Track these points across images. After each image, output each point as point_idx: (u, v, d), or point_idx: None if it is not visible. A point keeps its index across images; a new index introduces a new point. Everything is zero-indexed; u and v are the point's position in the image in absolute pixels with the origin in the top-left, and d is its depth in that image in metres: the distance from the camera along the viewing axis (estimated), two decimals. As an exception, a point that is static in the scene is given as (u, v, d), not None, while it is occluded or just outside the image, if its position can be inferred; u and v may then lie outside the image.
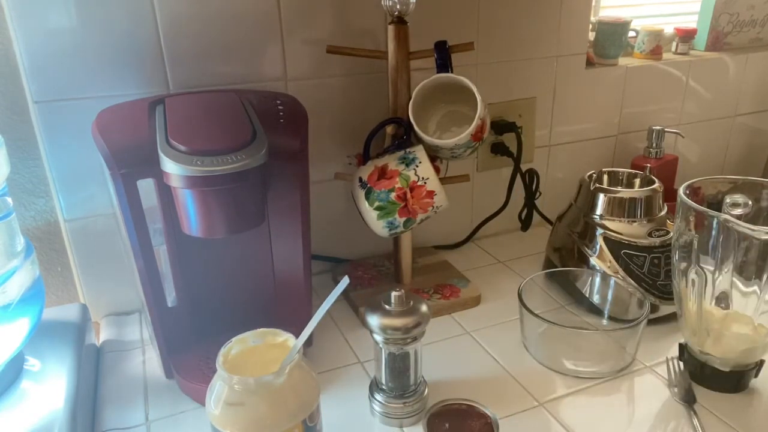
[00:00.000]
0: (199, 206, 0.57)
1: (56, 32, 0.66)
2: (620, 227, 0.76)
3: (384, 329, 0.57)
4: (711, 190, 0.66)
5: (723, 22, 1.17)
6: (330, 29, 0.79)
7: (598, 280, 0.76)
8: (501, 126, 0.93)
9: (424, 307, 0.58)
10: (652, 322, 0.73)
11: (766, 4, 1.19)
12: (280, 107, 0.64)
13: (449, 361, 0.70)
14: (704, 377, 0.64)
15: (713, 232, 0.58)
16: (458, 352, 0.71)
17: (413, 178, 0.70)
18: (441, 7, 0.85)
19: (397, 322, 0.56)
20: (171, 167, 0.54)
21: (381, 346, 0.59)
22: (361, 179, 0.72)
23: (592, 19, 1.02)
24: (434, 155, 0.75)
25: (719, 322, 0.61)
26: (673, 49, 1.16)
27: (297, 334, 0.49)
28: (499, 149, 0.96)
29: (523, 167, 0.94)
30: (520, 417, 0.61)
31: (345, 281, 0.48)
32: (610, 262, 0.75)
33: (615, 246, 0.75)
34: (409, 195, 0.70)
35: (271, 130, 0.60)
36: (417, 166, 0.70)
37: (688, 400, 0.61)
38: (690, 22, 1.19)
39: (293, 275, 0.68)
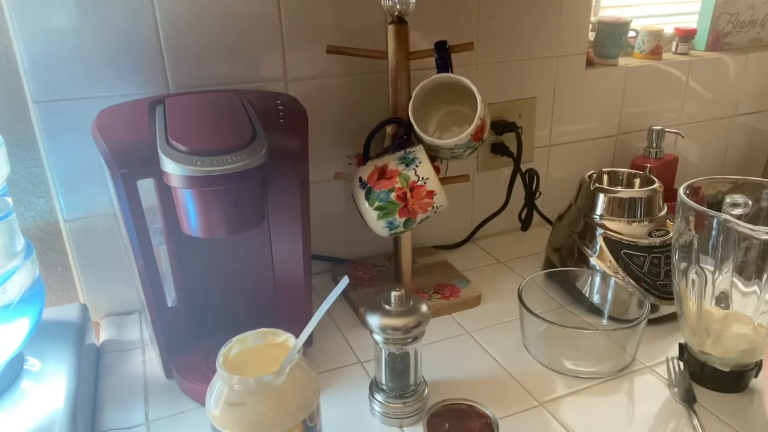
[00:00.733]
0: (199, 206, 0.57)
1: (56, 32, 0.66)
2: (620, 227, 0.76)
3: (384, 329, 0.57)
4: (711, 190, 0.66)
5: (723, 22, 1.17)
6: (330, 29, 0.79)
7: (598, 280, 0.76)
8: (501, 126, 0.93)
9: (424, 307, 0.58)
10: (652, 322, 0.73)
11: (766, 4, 1.19)
12: (280, 107, 0.64)
13: (449, 361, 0.70)
14: (704, 377, 0.64)
15: (713, 232, 0.58)
16: (458, 352, 0.71)
17: (413, 178, 0.70)
18: (441, 7, 0.85)
19: (397, 322, 0.56)
20: (171, 167, 0.54)
21: (381, 346, 0.59)
22: (361, 179, 0.72)
23: (592, 19, 1.02)
24: (434, 155, 0.75)
25: (719, 322, 0.61)
26: (673, 49, 1.16)
27: (297, 334, 0.49)
28: (499, 149, 0.96)
29: (523, 167, 0.94)
30: (520, 417, 0.61)
31: (345, 281, 0.48)
32: (610, 262, 0.75)
33: (615, 246, 0.75)
34: (409, 195, 0.70)
35: (271, 130, 0.60)
36: (417, 166, 0.70)
37: (688, 400, 0.61)
38: (690, 22, 1.19)
39: (293, 275, 0.68)
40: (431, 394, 0.63)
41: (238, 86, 0.76)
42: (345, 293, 0.83)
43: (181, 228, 0.60)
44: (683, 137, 1.07)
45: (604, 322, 0.76)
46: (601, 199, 0.77)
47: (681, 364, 0.66)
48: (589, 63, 1.02)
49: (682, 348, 0.66)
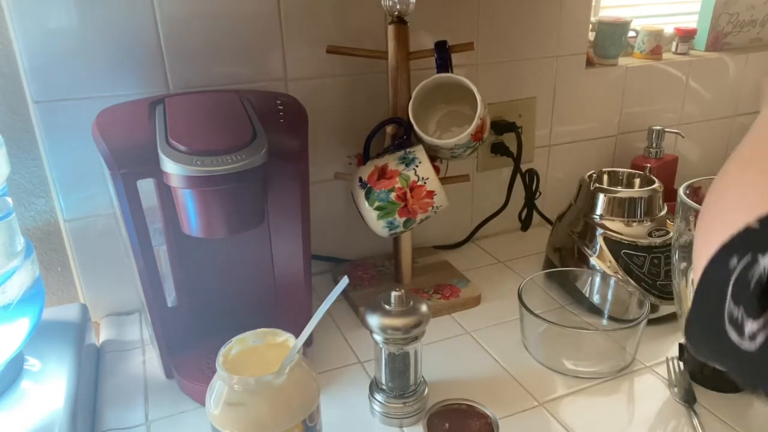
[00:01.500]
0: (199, 206, 0.57)
1: (56, 32, 0.66)
2: (620, 227, 0.76)
3: (384, 329, 0.57)
4: (711, 190, 0.66)
5: (723, 22, 1.17)
6: (330, 29, 0.79)
7: (598, 280, 0.76)
8: (501, 126, 0.93)
9: (424, 307, 0.58)
10: (652, 322, 0.73)
11: (766, 4, 1.19)
12: (280, 107, 0.64)
13: (449, 361, 0.70)
14: (704, 377, 0.64)
15: (713, 232, 0.58)
16: (458, 352, 0.71)
17: (413, 178, 0.70)
18: (441, 7, 0.85)
19: (397, 322, 0.56)
20: (171, 167, 0.54)
21: (381, 346, 0.59)
22: (361, 179, 0.72)
23: (592, 19, 1.02)
24: (434, 155, 0.75)
25: (719, 322, 0.61)
26: (673, 49, 1.16)
27: (297, 334, 0.49)
28: (499, 149, 0.96)
29: (523, 167, 0.94)
30: (520, 417, 0.61)
31: (344, 281, 0.48)
32: (610, 262, 0.75)
33: (615, 246, 0.75)
34: (409, 195, 0.70)
35: (271, 130, 0.60)
36: (417, 166, 0.70)
37: (688, 400, 0.61)
38: (690, 22, 1.19)
39: (293, 275, 0.68)
40: (431, 394, 0.63)
41: (238, 86, 0.76)
42: (345, 293, 0.83)
43: (181, 228, 0.60)
44: (683, 137, 1.07)
45: (604, 322, 0.76)
46: (601, 199, 0.77)
47: (681, 364, 0.66)
48: (589, 63, 1.02)
49: (682, 348, 0.66)
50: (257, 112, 0.61)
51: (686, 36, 1.14)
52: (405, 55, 0.73)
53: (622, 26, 1.03)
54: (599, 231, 0.76)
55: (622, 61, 1.07)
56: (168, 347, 0.65)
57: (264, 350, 0.50)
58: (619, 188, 0.79)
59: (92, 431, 0.60)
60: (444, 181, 0.73)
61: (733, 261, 0.27)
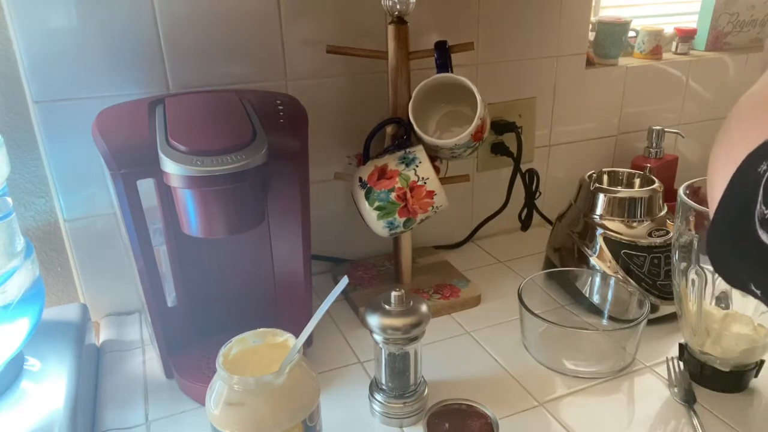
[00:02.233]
0: (199, 206, 0.57)
1: (56, 32, 0.66)
2: (620, 227, 0.76)
3: (384, 329, 0.57)
4: (711, 190, 0.66)
5: (723, 22, 1.17)
6: (330, 29, 0.79)
7: (598, 280, 0.76)
8: (501, 126, 0.93)
9: (424, 307, 0.58)
10: (652, 322, 0.73)
11: (766, 4, 1.19)
12: (280, 107, 0.64)
13: (449, 361, 0.70)
14: (704, 377, 0.64)
15: (713, 232, 0.58)
16: (458, 352, 0.71)
17: (413, 178, 0.70)
18: (441, 7, 0.85)
19: (397, 322, 0.56)
20: (171, 167, 0.54)
21: (381, 346, 0.59)
22: (361, 179, 0.72)
23: (592, 19, 1.02)
24: (434, 155, 0.75)
25: (719, 322, 0.61)
26: (673, 49, 1.16)
27: (297, 334, 0.49)
28: (499, 149, 0.96)
29: (523, 167, 0.94)
30: (520, 417, 0.61)
31: (344, 281, 0.48)
32: (610, 262, 0.75)
33: (615, 246, 0.75)
34: (409, 195, 0.70)
35: (271, 130, 0.59)
36: (417, 166, 0.70)
37: (688, 400, 0.61)
38: (690, 22, 1.19)
39: (293, 275, 0.68)
40: (431, 394, 0.63)
41: (238, 86, 0.76)
42: (345, 293, 0.83)
43: (181, 228, 0.60)
44: (683, 137, 1.06)
45: (604, 322, 0.76)
46: (601, 199, 0.77)
47: (681, 364, 0.66)
48: (589, 63, 1.02)
49: (682, 348, 0.66)
50: (257, 112, 0.61)
51: (686, 36, 1.14)
52: (405, 55, 0.73)
53: (622, 26, 1.03)
54: (599, 231, 0.76)
55: (622, 61, 1.07)
56: (168, 347, 0.65)
57: (264, 350, 0.50)
58: (619, 188, 0.79)
59: (92, 431, 0.60)
60: (444, 181, 0.73)
61: (763, 166, 0.26)
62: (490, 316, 0.79)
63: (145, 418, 0.61)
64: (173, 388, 0.65)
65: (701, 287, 0.61)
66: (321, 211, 0.86)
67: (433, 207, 0.72)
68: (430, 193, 0.71)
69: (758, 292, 0.28)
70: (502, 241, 1.01)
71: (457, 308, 0.80)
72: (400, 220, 0.71)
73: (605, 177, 0.84)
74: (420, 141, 0.73)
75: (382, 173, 0.71)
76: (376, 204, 0.71)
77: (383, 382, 0.61)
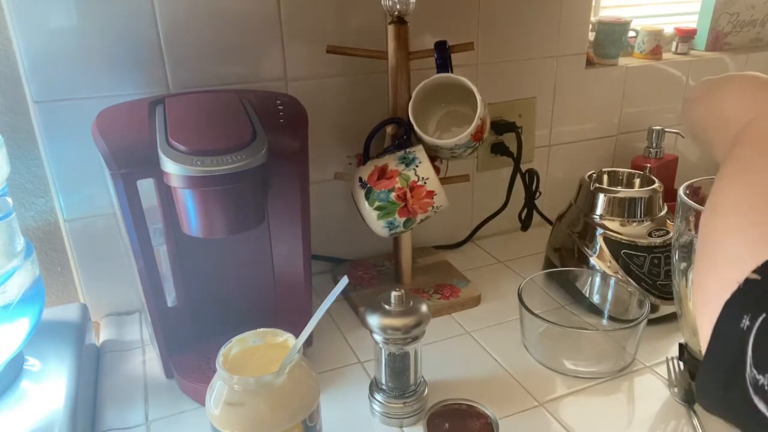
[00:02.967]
0: (199, 206, 0.57)
1: (56, 32, 0.66)
2: (620, 227, 0.76)
3: (384, 329, 0.57)
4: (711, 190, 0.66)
5: (723, 22, 1.17)
6: (330, 29, 0.79)
7: (598, 280, 0.76)
8: (501, 126, 0.93)
9: (424, 307, 0.58)
10: (652, 322, 0.73)
11: (766, 4, 1.19)
12: (280, 107, 0.64)
13: (449, 361, 0.70)
14: (704, 377, 0.64)
15: (713, 232, 0.58)
16: (458, 352, 0.71)
17: (413, 178, 0.70)
18: (441, 7, 0.85)
19: (397, 322, 0.56)
20: (171, 167, 0.54)
21: (381, 346, 0.59)
22: (361, 179, 0.72)
23: (592, 19, 1.02)
24: (434, 155, 0.74)
25: (719, 322, 0.61)
26: (673, 49, 1.16)
27: (297, 334, 0.49)
28: (499, 149, 0.96)
29: (523, 167, 0.94)
30: (520, 417, 0.61)
31: (344, 281, 0.48)
32: (610, 262, 0.75)
33: (615, 246, 0.75)
34: (409, 195, 0.70)
35: (271, 130, 0.60)
36: (417, 166, 0.70)
37: (688, 400, 0.61)
38: (690, 22, 1.19)
39: (293, 275, 0.68)
40: (431, 394, 0.63)
41: (238, 86, 0.76)
42: (345, 293, 0.83)
43: (181, 228, 0.60)
44: (683, 137, 1.06)
45: (604, 322, 0.76)
46: (601, 199, 0.77)
47: (681, 364, 0.66)
48: (589, 63, 1.02)
49: (682, 348, 0.66)
50: (257, 112, 0.61)
51: (686, 36, 1.14)
52: (405, 55, 0.73)
53: (622, 26, 1.03)
54: (599, 231, 0.76)
55: (622, 61, 1.07)
56: (168, 347, 0.65)
57: (264, 350, 0.50)
58: (619, 188, 0.79)
59: (92, 431, 0.60)
60: (444, 181, 0.73)
61: (745, 321, 0.25)
62: (490, 316, 0.79)
63: (145, 418, 0.61)
64: (173, 388, 0.65)
65: (701, 287, 0.61)
66: (321, 211, 0.86)
67: (433, 207, 0.72)
68: (430, 193, 0.71)
69: None
70: (502, 241, 1.01)
71: (457, 308, 0.80)
72: (400, 220, 0.71)
73: (605, 177, 0.84)
74: (420, 141, 0.73)
75: (382, 173, 0.71)
76: (376, 204, 0.71)
77: (383, 382, 0.61)
